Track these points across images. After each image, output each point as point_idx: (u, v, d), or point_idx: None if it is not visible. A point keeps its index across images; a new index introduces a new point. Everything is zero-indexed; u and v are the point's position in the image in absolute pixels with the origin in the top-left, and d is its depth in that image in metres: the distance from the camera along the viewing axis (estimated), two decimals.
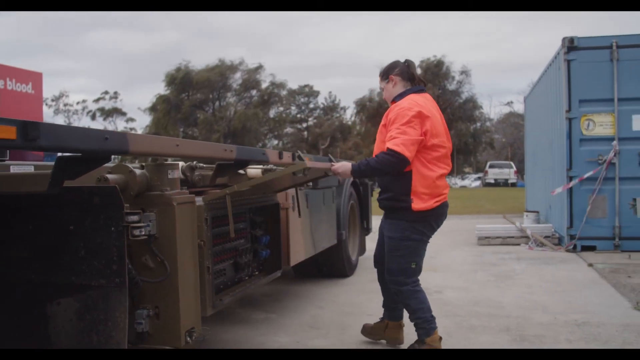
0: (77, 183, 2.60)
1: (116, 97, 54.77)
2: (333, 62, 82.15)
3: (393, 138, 3.67)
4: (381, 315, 4.39)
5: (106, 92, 54.45)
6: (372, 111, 43.95)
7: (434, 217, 3.89)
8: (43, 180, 2.52)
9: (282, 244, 4.59)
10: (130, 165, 2.76)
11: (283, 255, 4.62)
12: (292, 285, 6.48)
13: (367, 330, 4.43)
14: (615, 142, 8.26)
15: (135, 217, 2.49)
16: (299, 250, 5.04)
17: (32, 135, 1.91)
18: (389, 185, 3.92)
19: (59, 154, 2.36)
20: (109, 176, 2.64)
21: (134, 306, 2.76)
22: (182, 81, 44.17)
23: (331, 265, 6.74)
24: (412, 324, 3.94)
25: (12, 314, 2.69)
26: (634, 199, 7.84)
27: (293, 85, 53.54)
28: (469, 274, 7.05)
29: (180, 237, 2.85)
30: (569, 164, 8.51)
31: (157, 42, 76.87)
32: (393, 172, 3.74)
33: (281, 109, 52.81)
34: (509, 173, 38.44)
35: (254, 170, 4.56)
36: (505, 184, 37.56)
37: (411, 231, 3.83)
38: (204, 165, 3.91)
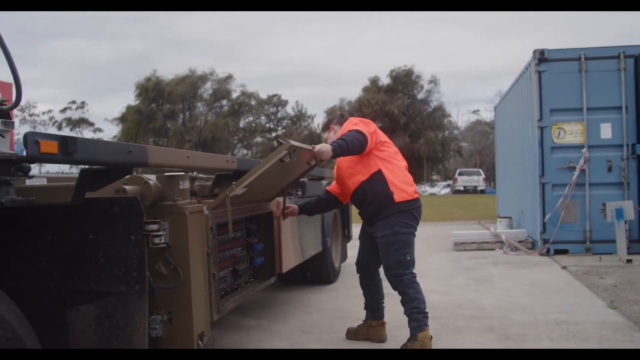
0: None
1: (83, 107, 54.05)
2: (299, 71, 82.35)
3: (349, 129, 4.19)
4: (363, 319, 4.68)
5: (73, 102, 53.73)
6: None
7: (415, 209, 4.28)
8: (61, 192, 2.63)
9: (275, 252, 4.74)
10: (145, 177, 2.88)
11: (276, 262, 4.76)
12: (278, 292, 6.59)
13: (351, 332, 4.67)
14: (585, 150, 8.62)
15: (155, 226, 2.61)
16: (290, 257, 5.18)
17: (70, 149, 2.03)
18: (367, 191, 4.26)
19: (82, 167, 2.47)
20: (126, 187, 2.76)
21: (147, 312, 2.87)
22: (153, 92, 43.92)
23: (316, 271, 6.90)
24: (407, 317, 4.18)
25: (31, 320, 2.78)
26: (604, 204, 8.17)
27: (261, 94, 53.63)
28: (449, 279, 7.28)
29: (192, 245, 2.98)
30: (541, 171, 8.84)
31: (122, 51, 75.80)
32: (359, 146, 4.06)
33: (251, 118, 52.86)
34: (477, 180, 39.15)
35: None
36: (474, 191, 38.24)
37: (400, 226, 4.19)
38: (203, 176, 4.04)
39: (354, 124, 4.29)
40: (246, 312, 5.69)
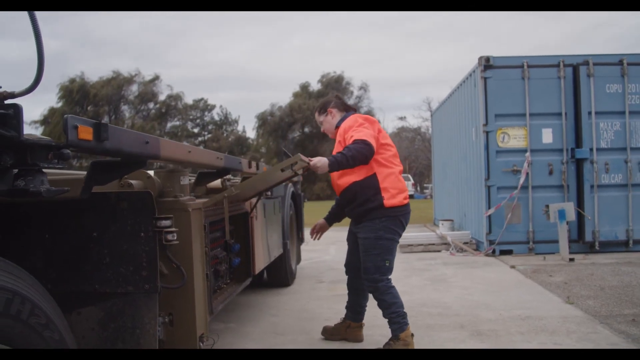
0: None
1: None
2: (222, 75, 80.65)
3: (354, 136, 4.02)
4: (342, 317, 4.64)
5: None
6: (274, 125, 44.27)
7: (403, 215, 4.25)
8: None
9: (250, 252, 4.65)
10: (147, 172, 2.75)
11: (251, 263, 4.68)
12: (237, 295, 6.45)
13: (328, 331, 4.62)
14: (528, 154, 8.98)
15: (167, 222, 2.49)
16: (261, 259, 5.11)
17: (103, 136, 1.90)
18: (357, 192, 4.19)
19: (94, 160, 2.32)
20: (132, 182, 2.62)
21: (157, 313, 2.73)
22: (77, 94, 42.21)
23: (275, 274, 6.82)
24: (387, 320, 4.17)
25: None
26: (547, 206, 8.54)
27: (185, 98, 52.53)
28: (405, 279, 7.37)
29: (195, 243, 2.87)
30: (486, 174, 9.13)
31: (34, 50, 71.60)
32: (364, 160, 3.96)
33: (179, 122, 51.77)
34: (407, 185, 39.96)
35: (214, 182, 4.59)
36: None
37: (385, 231, 4.15)
38: None
39: (360, 124, 4.13)
40: None
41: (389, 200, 4.13)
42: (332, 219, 4.71)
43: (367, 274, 4.17)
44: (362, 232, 4.20)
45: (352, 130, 4.10)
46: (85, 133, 1.80)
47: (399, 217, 4.20)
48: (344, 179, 4.22)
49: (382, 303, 4.17)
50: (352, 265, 4.47)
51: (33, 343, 1.62)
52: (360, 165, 4.01)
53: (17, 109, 1.63)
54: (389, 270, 4.19)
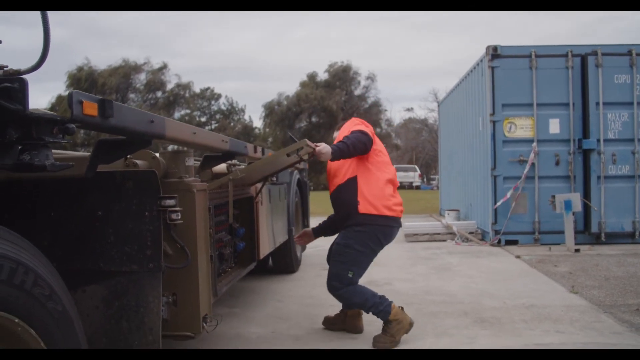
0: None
1: None
2: (228, 65, 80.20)
3: (352, 129, 4.13)
4: (341, 307, 4.57)
5: None
6: (281, 115, 44.19)
7: (381, 229, 4.10)
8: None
9: (255, 237, 4.67)
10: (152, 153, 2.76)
11: (255, 247, 4.69)
12: (242, 281, 6.45)
13: (328, 321, 4.62)
14: (534, 144, 8.95)
15: (171, 202, 2.50)
16: (266, 244, 5.13)
17: (108, 113, 1.91)
18: (339, 195, 4.20)
19: (101, 138, 2.34)
20: (137, 162, 2.64)
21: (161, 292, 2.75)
22: (85, 82, 42.21)
23: (280, 260, 6.84)
24: (370, 314, 4.16)
25: None
26: (553, 196, 8.52)
27: (194, 87, 52.47)
28: (410, 268, 7.39)
29: (199, 224, 2.88)
30: (493, 163, 9.11)
31: (39, 39, 71.75)
32: (363, 148, 4.01)
33: (187, 111, 51.76)
34: (413, 176, 39.87)
35: (219, 166, 4.60)
36: (410, 187, 38.93)
37: (355, 240, 4.07)
38: None
39: (356, 124, 4.24)
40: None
41: (364, 206, 4.03)
42: (320, 231, 4.64)
43: (329, 278, 4.15)
44: (338, 237, 4.25)
45: (349, 129, 4.20)
46: (90, 109, 1.80)
47: (375, 231, 4.06)
48: (334, 182, 4.25)
49: (354, 305, 4.18)
50: None
51: (36, 314, 1.64)
52: (360, 154, 4.04)
53: (23, 83, 1.64)
54: (351, 281, 4.07)
